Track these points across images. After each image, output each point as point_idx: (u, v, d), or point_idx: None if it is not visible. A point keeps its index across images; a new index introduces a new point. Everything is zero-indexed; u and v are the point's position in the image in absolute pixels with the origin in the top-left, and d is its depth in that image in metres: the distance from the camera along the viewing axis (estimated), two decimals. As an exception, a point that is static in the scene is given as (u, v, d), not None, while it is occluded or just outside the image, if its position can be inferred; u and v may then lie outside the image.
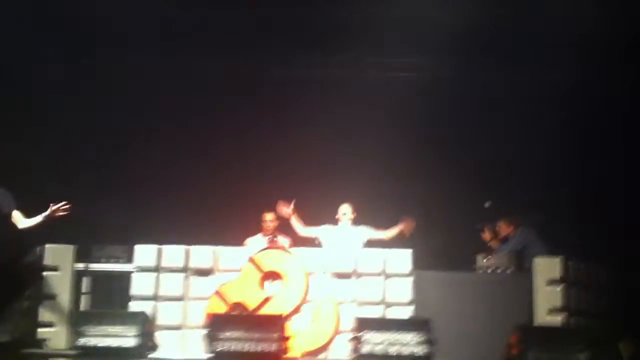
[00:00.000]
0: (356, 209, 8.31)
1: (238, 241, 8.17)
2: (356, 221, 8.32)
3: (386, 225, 8.24)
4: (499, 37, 8.94)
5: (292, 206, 8.28)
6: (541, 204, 9.00)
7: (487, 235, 8.69)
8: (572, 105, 9.23)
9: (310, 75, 9.67)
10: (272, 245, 8.13)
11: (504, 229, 8.69)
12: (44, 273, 7.47)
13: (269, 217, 8.49)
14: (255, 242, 8.33)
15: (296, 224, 8.33)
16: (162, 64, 9.65)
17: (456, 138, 9.62)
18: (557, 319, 7.27)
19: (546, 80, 9.11)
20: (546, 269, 7.44)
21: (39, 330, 7.28)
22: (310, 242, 8.17)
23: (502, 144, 9.40)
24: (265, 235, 8.53)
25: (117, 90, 9.60)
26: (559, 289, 7.38)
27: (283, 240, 8.46)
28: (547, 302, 7.33)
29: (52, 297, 7.43)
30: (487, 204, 8.56)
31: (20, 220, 6.97)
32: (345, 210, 8.31)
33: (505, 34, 8.90)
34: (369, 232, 8.25)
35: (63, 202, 6.88)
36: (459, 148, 9.61)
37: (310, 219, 8.38)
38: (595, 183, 9.27)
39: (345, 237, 8.17)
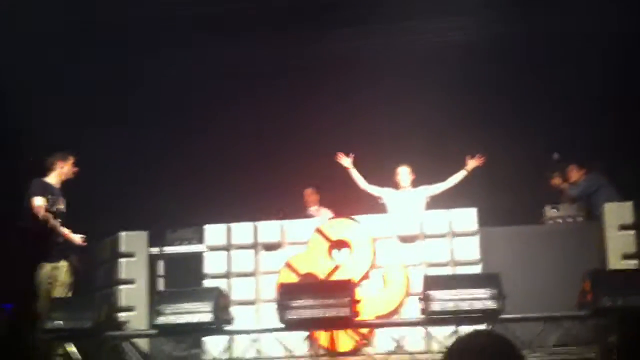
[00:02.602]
0: (414, 171, 8.20)
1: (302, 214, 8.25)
2: (415, 183, 8.21)
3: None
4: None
5: (351, 158, 8.21)
6: (608, 150, 8.80)
7: (556, 180, 8.54)
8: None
9: (356, 46, 9.66)
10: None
11: (574, 173, 8.54)
12: (121, 259, 7.72)
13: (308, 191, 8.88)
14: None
15: (357, 176, 8.21)
16: (206, 52, 9.76)
17: (516, 93, 9.46)
18: (631, 264, 7.11)
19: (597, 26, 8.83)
20: (617, 214, 7.31)
21: (120, 314, 7.51)
22: (359, 209, 7.98)
23: (562, 96, 9.22)
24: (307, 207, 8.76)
25: (179, 77, 9.77)
26: (631, 233, 7.23)
27: (325, 212, 8.54)
28: (620, 248, 7.20)
29: (129, 282, 7.69)
30: (555, 156, 8.40)
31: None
32: (404, 173, 8.16)
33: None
34: (431, 189, 8.13)
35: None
36: (518, 102, 9.45)
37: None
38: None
39: (408, 200, 8.08)
